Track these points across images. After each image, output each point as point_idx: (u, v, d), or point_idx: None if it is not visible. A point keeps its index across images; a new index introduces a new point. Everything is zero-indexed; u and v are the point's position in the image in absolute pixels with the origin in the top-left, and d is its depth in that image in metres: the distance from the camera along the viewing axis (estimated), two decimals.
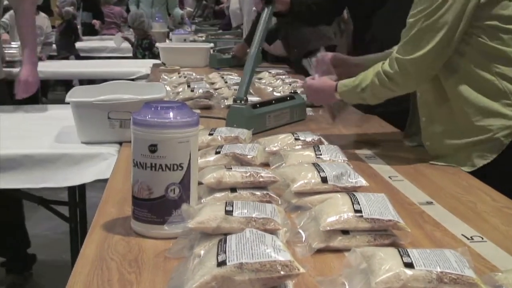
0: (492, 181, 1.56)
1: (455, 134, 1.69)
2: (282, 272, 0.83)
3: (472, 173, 1.65)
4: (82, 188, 2.50)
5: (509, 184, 1.52)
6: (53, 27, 6.66)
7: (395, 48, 1.72)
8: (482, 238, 1.20)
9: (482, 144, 1.65)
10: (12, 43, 4.54)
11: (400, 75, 1.65)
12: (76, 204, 2.43)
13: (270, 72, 3.37)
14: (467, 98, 1.65)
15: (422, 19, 1.61)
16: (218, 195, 1.27)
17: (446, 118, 1.72)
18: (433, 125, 1.76)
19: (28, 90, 2.62)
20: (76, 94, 1.95)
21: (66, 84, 6.33)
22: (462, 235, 1.22)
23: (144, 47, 6.21)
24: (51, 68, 4.59)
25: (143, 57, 6.08)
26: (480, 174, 1.63)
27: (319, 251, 1.09)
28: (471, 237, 1.21)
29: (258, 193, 1.28)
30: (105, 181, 1.53)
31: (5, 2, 2.85)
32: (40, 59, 4.29)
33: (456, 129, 1.69)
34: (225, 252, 0.86)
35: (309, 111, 2.39)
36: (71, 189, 2.40)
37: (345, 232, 1.10)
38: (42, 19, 5.84)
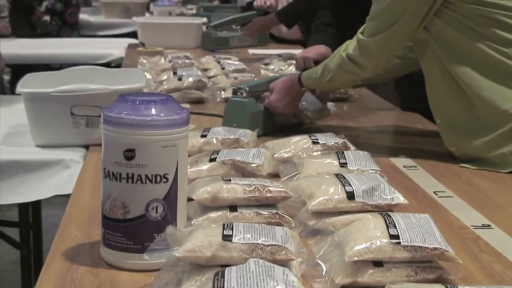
0: None
1: (479, 128, 1.78)
2: None
3: None
4: (36, 205, 2.50)
5: None
6: None
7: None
8: None
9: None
10: None
11: (365, 57, 1.85)
12: (29, 226, 2.44)
13: (279, 56, 3.36)
14: (482, 85, 1.75)
15: None
16: (213, 214, 1.27)
17: (464, 112, 1.80)
18: (452, 125, 1.85)
19: None
20: (29, 83, 1.95)
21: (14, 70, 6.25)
22: None
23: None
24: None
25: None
26: None
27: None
28: None
29: (265, 212, 1.28)
30: (67, 196, 1.53)
31: None
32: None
33: (478, 122, 1.77)
34: None
35: (331, 106, 2.38)
36: (22, 207, 2.39)
37: (377, 263, 1.10)
38: None
